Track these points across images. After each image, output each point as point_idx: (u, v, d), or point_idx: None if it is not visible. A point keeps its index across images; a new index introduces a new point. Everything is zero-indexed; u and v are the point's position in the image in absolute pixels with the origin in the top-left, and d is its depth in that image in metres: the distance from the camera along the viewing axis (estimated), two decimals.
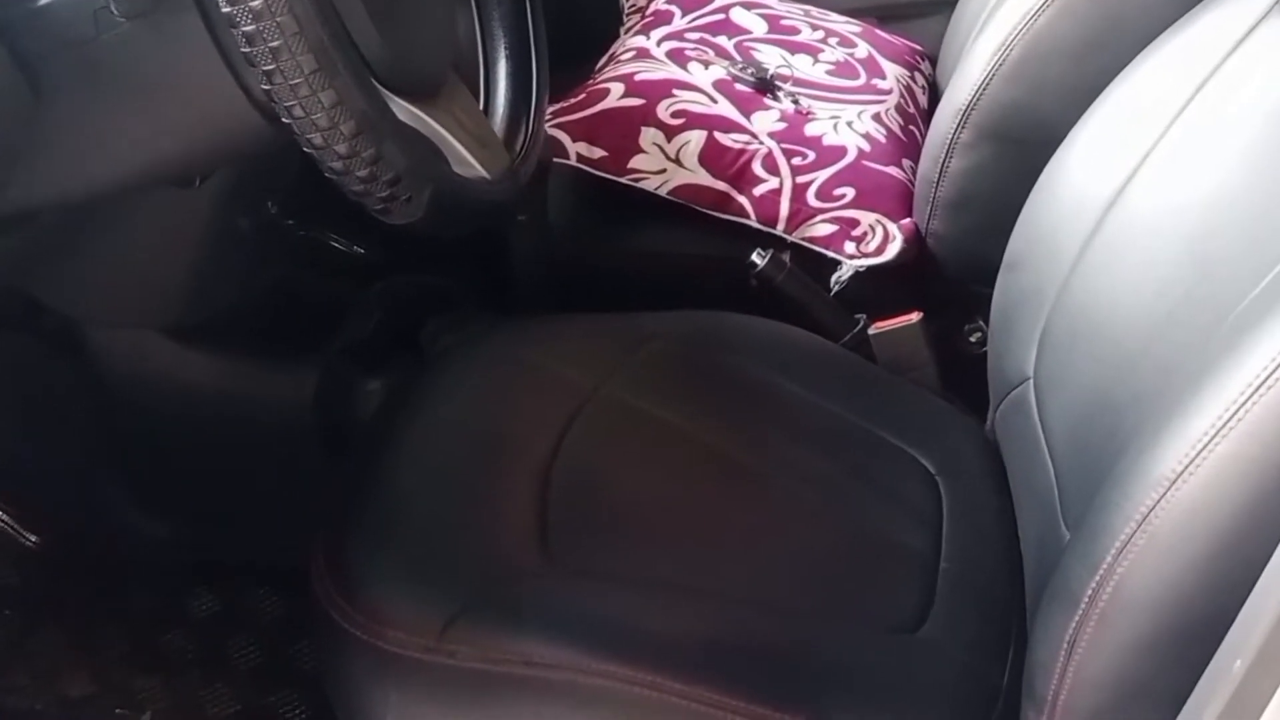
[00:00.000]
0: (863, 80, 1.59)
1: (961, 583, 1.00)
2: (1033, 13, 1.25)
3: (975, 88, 1.27)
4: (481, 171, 0.94)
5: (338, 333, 1.34)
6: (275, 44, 0.74)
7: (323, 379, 1.28)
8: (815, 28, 1.67)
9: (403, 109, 0.89)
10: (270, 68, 0.75)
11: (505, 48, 1.05)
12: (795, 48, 1.62)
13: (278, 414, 1.29)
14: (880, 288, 1.36)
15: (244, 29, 0.74)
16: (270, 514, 1.33)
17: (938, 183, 1.33)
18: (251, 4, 0.73)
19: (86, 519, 1.37)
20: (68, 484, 1.36)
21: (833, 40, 1.66)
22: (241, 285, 1.32)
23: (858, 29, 1.71)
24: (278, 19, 0.74)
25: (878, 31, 1.74)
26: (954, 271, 1.38)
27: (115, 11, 0.84)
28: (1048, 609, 0.81)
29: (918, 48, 1.76)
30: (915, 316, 1.28)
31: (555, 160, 1.40)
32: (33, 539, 1.38)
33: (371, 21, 0.85)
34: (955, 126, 1.29)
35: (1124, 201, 1.00)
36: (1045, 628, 0.80)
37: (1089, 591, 0.75)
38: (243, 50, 0.75)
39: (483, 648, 0.85)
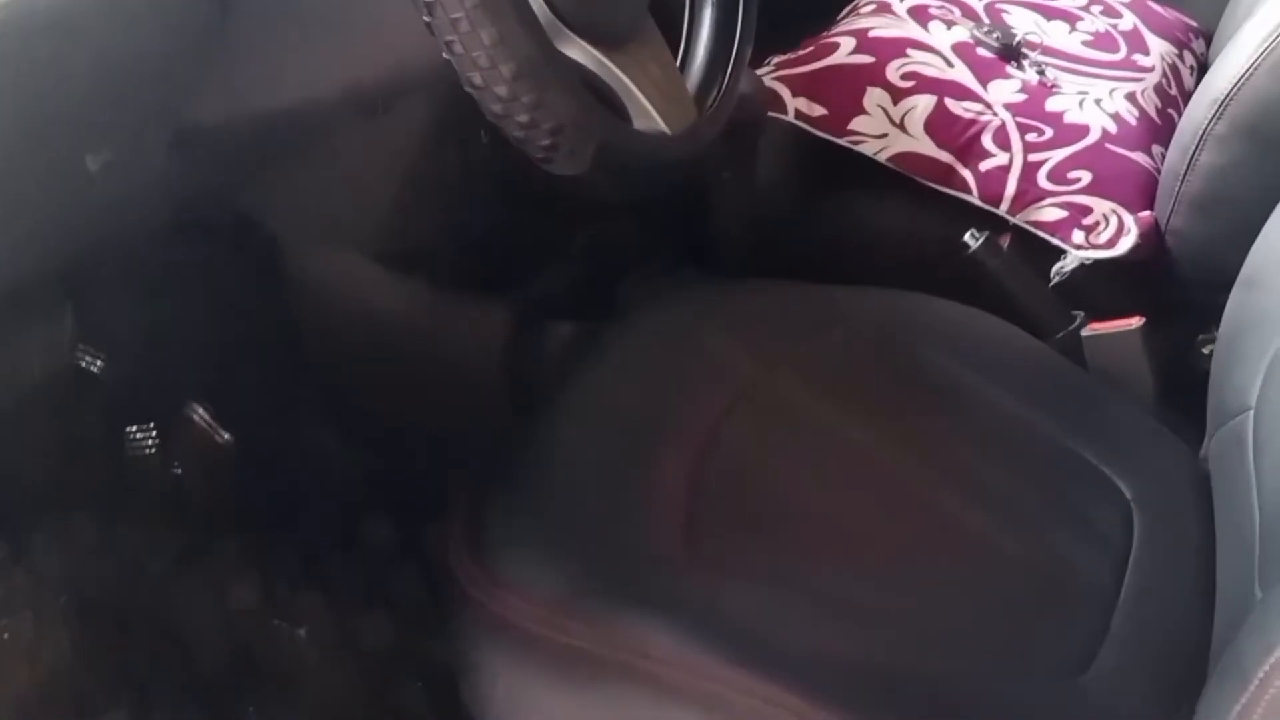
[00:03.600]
0: (1122, 54, 1.46)
1: (1140, 624, 0.90)
2: None
3: (1236, 77, 1.14)
4: (661, 126, 0.88)
5: (536, 280, 1.32)
6: None
7: (515, 323, 1.26)
8: None
9: (588, 54, 0.85)
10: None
11: None
12: (1052, 13, 1.50)
13: (467, 353, 1.27)
14: (1104, 285, 1.25)
15: None
16: (452, 451, 1.32)
17: (1184, 176, 1.21)
18: None
19: (274, 427, 1.39)
20: (258, 390, 1.38)
21: (1096, 8, 1.53)
22: (447, 216, 1.31)
23: None
24: None
25: (1149, 3, 1.60)
26: (1191, 275, 1.25)
27: None
28: (1219, 679, 0.72)
29: (1192, 24, 1.61)
30: (1135, 322, 1.15)
31: (771, 115, 1.33)
32: (225, 435, 1.41)
33: None
34: (1210, 117, 1.17)
35: None
36: (1213, 700, 0.71)
37: (1261, 673, 0.65)
38: None
39: (600, 629, 0.81)
